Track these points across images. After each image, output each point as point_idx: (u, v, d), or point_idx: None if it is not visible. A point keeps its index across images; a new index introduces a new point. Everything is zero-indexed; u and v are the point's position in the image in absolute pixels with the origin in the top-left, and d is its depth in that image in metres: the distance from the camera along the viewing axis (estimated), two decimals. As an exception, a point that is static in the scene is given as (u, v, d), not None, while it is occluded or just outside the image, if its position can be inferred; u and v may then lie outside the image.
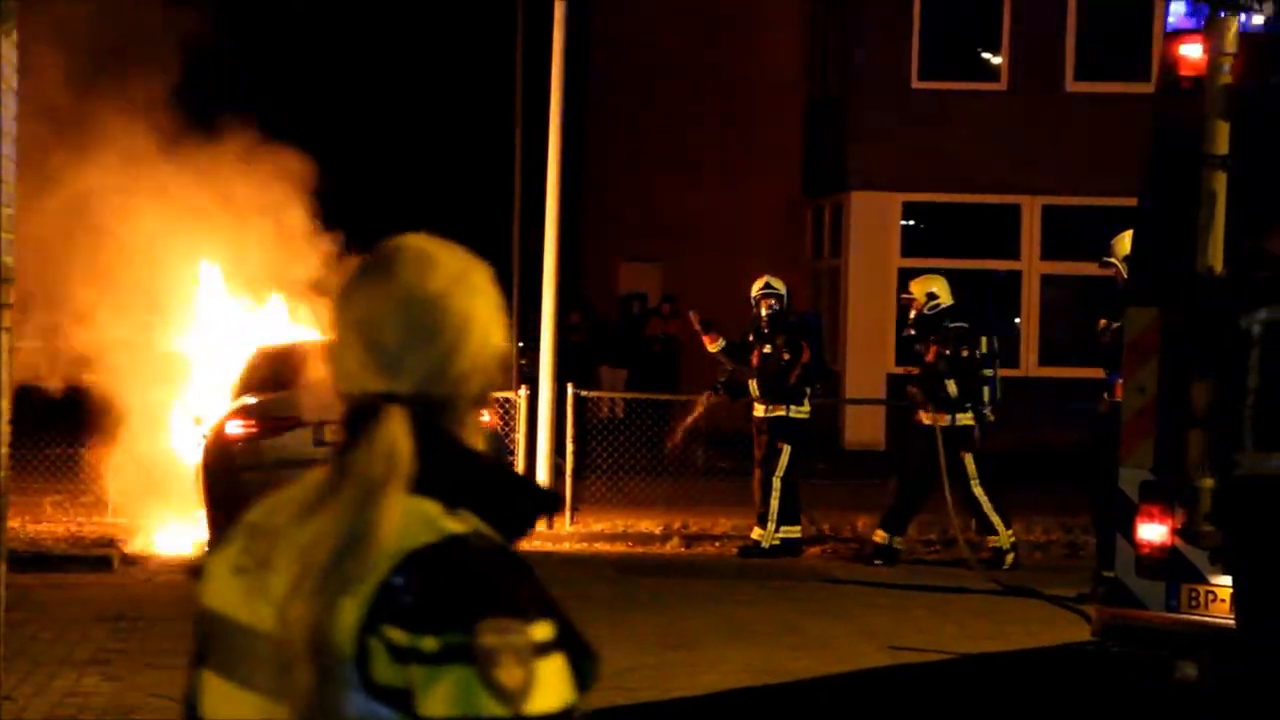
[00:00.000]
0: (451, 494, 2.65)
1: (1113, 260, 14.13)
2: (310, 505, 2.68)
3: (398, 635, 2.55)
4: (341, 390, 2.73)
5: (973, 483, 16.90)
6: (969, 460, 16.89)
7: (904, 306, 17.84)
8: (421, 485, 2.64)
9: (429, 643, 2.53)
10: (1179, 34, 9.48)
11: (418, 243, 2.76)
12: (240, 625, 2.70)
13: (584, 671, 2.66)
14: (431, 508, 2.63)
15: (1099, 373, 14.90)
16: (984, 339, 17.03)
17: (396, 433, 2.65)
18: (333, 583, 2.59)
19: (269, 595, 2.64)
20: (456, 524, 2.62)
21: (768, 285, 17.81)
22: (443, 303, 2.72)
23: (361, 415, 2.68)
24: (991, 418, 17.18)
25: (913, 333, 17.26)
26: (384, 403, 2.67)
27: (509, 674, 2.53)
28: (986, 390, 16.97)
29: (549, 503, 2.79)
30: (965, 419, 16.89)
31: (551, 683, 2.57)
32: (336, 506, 2.63)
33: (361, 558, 2.59)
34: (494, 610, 2.55)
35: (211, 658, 2.75)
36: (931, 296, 17.16)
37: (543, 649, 2.57)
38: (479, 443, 2.78)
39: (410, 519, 2.61)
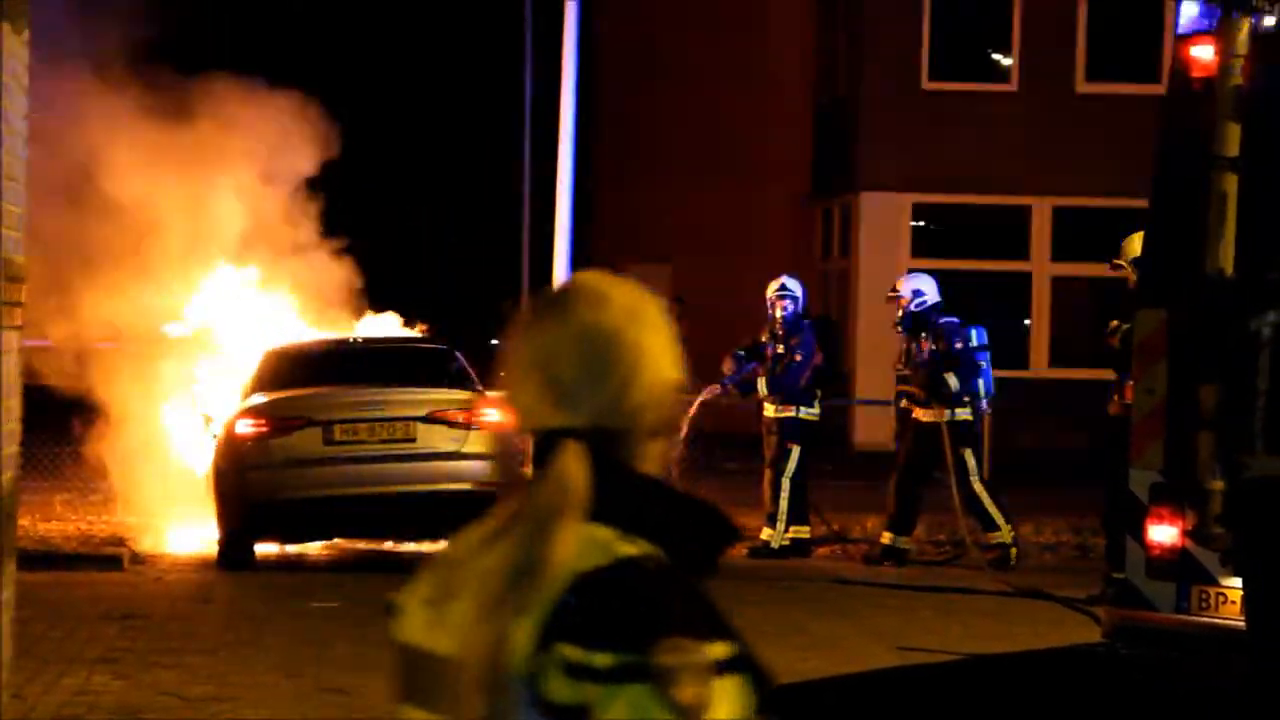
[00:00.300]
0: (628, 522, 2.72)
1: (1123, 262, 14.13)
2: (491, 536, 2.77)
3: (572, 652, 2.62)
4: (521, 425, 2.82)
5: (972, 479, 16.88)
6: (969, 456, 16.88)
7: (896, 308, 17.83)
8: (598, 514, 2.72)
9: (603, 659, 2.60)
10: (1190, 35, 9.47)
11: (592, 280, 2.87)
12: (428, 654, 2.78)
13: (761, 693, 2.73)
14: (606, 534, 2.71)
15: (1109, 374, 14.88)
16: (973, 332, 17.05)
17: (572, 465, 2.72)
18: (508, 607, 2.66)
19: (452, 622, 2.73)
20: (630, 547, 2.69)
21: (783, 286, 17.81)
22: (617, 338, 2.80)
23: (542, 449, 2.77)
24: (987, 411, 17.18)
25: (899, 330, 17.29)
26: (561, 437, 2.75)
27: (686, 692, 2.60)
28: (981, 383, 16.99)
29: (729, 534, 2.86)
30: (963, 414, 16.88)
31: (728, 701, 2.65)
32: (514, 536, 2.72)
33: (535, 582, 2.67)
34: (670, 629, 2.62)
35: (409, 691, 2.83)
36: (917, 294, 17.19)
37: (719, 668, 2.64)
38: (656, 473, 2.84)
39: (584, 544, 2.69)
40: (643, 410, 2.80)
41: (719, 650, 2.66)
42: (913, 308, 17.13)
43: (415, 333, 19.87)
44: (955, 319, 17.07)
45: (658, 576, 2.67)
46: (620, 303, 2.83)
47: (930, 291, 17.21)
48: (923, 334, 17.01)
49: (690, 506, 2.83)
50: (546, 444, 2.77)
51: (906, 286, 17.33)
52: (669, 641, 2.61)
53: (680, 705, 2.59)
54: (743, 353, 17.95)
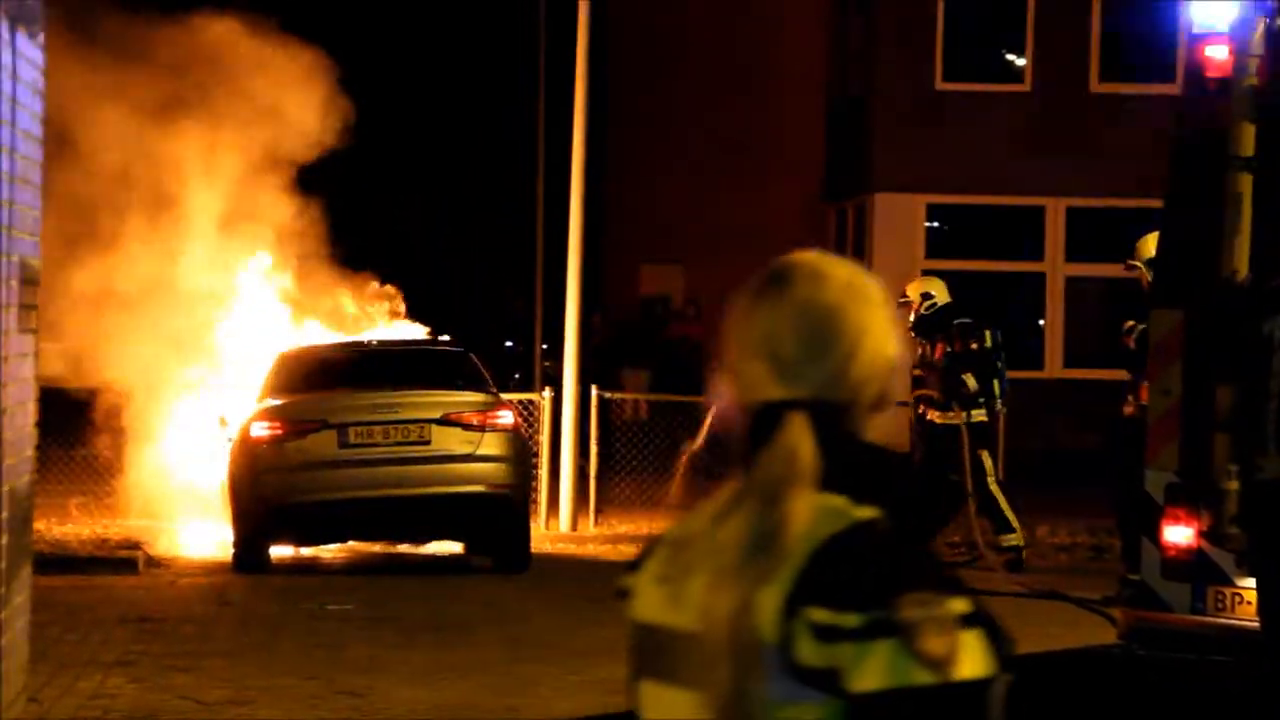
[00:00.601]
0: (855, 490, 2.80)
1: (1137, 263, 14.11)
2: (722, 511, 2.84)
3: (821, 615, 2.68)
4: (743, 400, 2.88)
5: (990, 479, 16.87)
6: (985, 457, 16.88)
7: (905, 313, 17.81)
8: (827, 483, 2.79)
9: (852, 619, 2.67)
10: (1205, 36, 9.45)
11: (811, 258, 2.93)
12: (668, 629, 2.84)
13: (999, 649, 2.80)
14: (837, 501, 2.78)
15: (1124, 375, 14.86)
16: (988, 332, 17.05)
17: (797, 436, 2.80)
18: (748, 576, 2.74)
19: (690, 597, 2.80)
20: (863, 512, 2.77)
21: None
22: (838, 313, 2.87)
23: (763, 423, 2.84)
24: (1003, 410, 17.18)
25: (912, 334, 17.29)
26: (784, 409, 2.82)
27: (935, 643, 2.67)
28: (996, 383, 16.98)
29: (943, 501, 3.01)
30: (980, 415, 16.88)
31: (974, 652, 2.72)
32: (745, 508, 2.80)
33: (774, 551, 2.74)
34: (912, 585, 2.70)
35: (647, 667, 2.90)
36: (927, 296, 17.19)
37: (961, 621, 2.71)
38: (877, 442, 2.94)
39: (818, 512, 2.77)
40: (863, 384, 2.88)
41: (959, 605, 2.73)
42: (924, 311, 17.13)
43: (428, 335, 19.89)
44: (969, 320, 17.08)
45: (895, 536, 2.76)
46: (840, 279, 2.90)
47: (940, 293, 17.20)
48: (937, 336, 17.00)
49: (911, 474, 2.94)
50: (766, 416, 2.83)
51: (916, 290, 17.33)
52: (913, 596, 2.69)
53: (930, 657, 2.67)
54: None
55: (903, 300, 17.50)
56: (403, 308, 19.81)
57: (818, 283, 2.90)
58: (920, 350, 17.24)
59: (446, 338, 19.66)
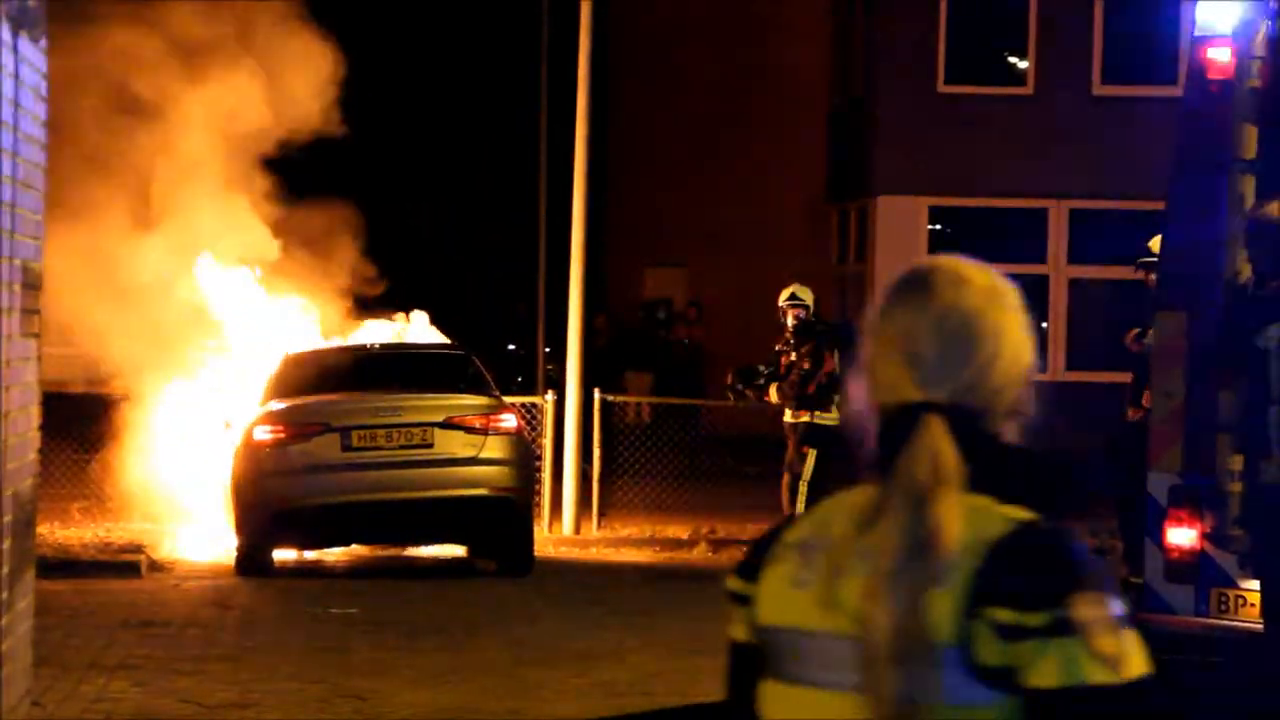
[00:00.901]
0: (1001, 491, 2.83)
1: (1151, 262, 14.09)
2: (867, 515, 2.86)
3: (1004, 615, 2.74)
4: (878, 400, 2.92)
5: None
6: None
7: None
8: (973, 484, 2.83)
9: (1035, 619, 2.74)
10: (1207, 38, 9.45)
11: (951, 263, 2.98)
12: (815, 633, 2.87)
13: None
14: (988, 502, 2.82)
15: (1128, 377, 14.84)
16: None
17: (938, 439, 2.84)
18: (912, 580, 2.77)
19: (842, 601, 2.82)
20: (1021, 513, 2.82)
21: (793, 295, 17.82)
22: (978, 319, 2.92)
23: (898, 424, 2.87)
24: None
25: None
26: (922, 412, 2.86)
27: (1107, 643, 2.75)
28: None
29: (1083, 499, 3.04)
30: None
31: (1138, 651, 2.79)
32: (893, 512, 2.82)
33: (933, 554, 2.78)
34: (1082, 585, 2.77)
35: (777, 668, 2.92)
36: None
37: (1125, 620, 2.79)
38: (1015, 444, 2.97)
39: (974, 514, 2.81)
40: (1002, 390, 2.91)
41: (1120, 605, 2.79)
42: None
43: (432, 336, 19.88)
44: None
45: (1060, 537, 2.81)
46: (980, 285, 2.96)
47: None
48: None
49: (1053, 473, 2.96)
50: (903, 418, 2.87)
51: None
52: (1085, 595, 2.75)
53: (1105, 656, 2.74)
54: (739, 384, 17.93)
55: None
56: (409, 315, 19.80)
57: (959, 288, 2.94)
58: None
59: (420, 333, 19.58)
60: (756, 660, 2.95)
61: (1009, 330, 2.93)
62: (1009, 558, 2.76)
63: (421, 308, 19.86)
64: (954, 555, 2.76)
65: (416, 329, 19.50)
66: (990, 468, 2.84)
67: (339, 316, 19.61)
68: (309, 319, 19.37)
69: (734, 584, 2.99)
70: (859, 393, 2.94)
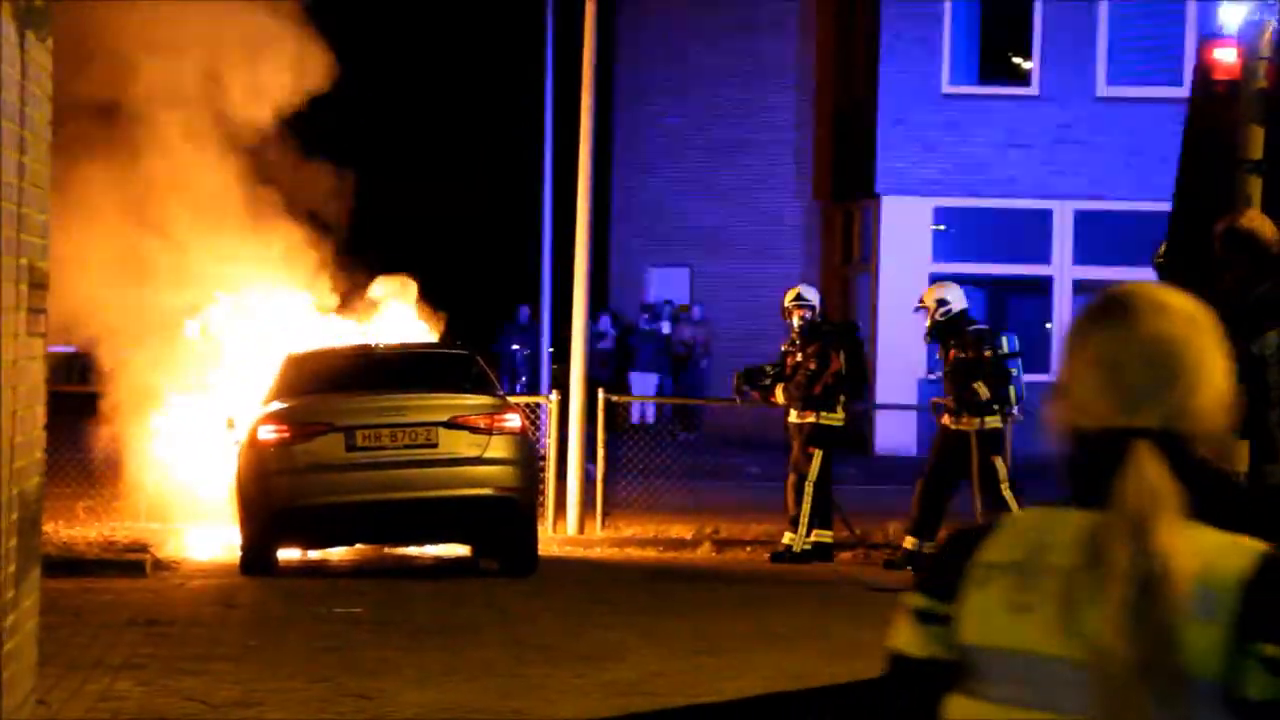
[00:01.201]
0: (1217, 518, 2.87)
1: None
2: (1089, 543, 2.87)
3: (1273, 650, 2.79)
4: (1078, 424, 2.95)
5: (1003, 486, 16.91)
6: (999, 464, 16.92)
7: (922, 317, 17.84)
8: (1193, 513, 2.86)
9: None
10: (1213, 39, 9.46)
11: (1149, 288, 3.02)
12: (1042, 658, 2.88)
13: None
14: (1213, 532, 2.86)
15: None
16: (1004, 339, 17.09)
17: (1152, 466, 2.86)
18: (1154, 614, 2.80)
19: (1079, 630, 2.84)
20: (1255, 544, 2.86)
21: (799, 296, 17.82)
22: (1183, 345, 2.94)
23: (1105, 450, 2.90)
24: (1019, 418, 17.21)
25: (928, 340, 17.33)
26: (1132, 438, 2.88)
27: None
28: (1013, 390, 17.00)
29: None
30: (994, 422, 16.91)
31: None
32: (1117, 542, 2.84)
33: (1169, 587, 2.80)
34: None
35: (978, 689, 2.94)
36: (942, 303, 17.19)
37: None
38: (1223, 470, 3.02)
39: (1205, 545, 2.84)
40: (1205, 415, 2.93)
41: None
42: (939, 317, 17.13)
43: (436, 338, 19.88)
44: (985, 327, 17.10)
45: None
46: (1183, 312, 2.97)
47: (956, 300, 17.20)
48: (951, 343, 17.01)
49: (1260, 501, 3.01)
50: (1109, 444, 2.89)
51: (931, 297, 17.33)
52: None
53: None
54: (745, 385, 17.93)
55: (918, 307, 17.50)
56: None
57: (1162, 315, 2.96)
58: (939, 358, 17.29)
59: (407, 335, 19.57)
60: (939, 678, 2.96)
61: (1211, 357, 2.96)
62: (1268, 591, 2.80)
63: (427, 306, 19.86)
64: (1194, 588, 2.79)
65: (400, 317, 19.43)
66: (1205, 495, 2.86)
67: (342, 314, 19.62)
68: (312, 319, 19.39)
69: (919, 601, 3.00)
70: (1055, 414, 2.96)
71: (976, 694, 2.94)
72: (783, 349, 17.90)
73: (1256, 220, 8.90)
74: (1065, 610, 2.85)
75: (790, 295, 17.91)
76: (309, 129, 19.88)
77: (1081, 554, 2.86)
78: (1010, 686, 2.90)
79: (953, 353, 17.00)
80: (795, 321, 17.75)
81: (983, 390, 16.82)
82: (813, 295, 17.89)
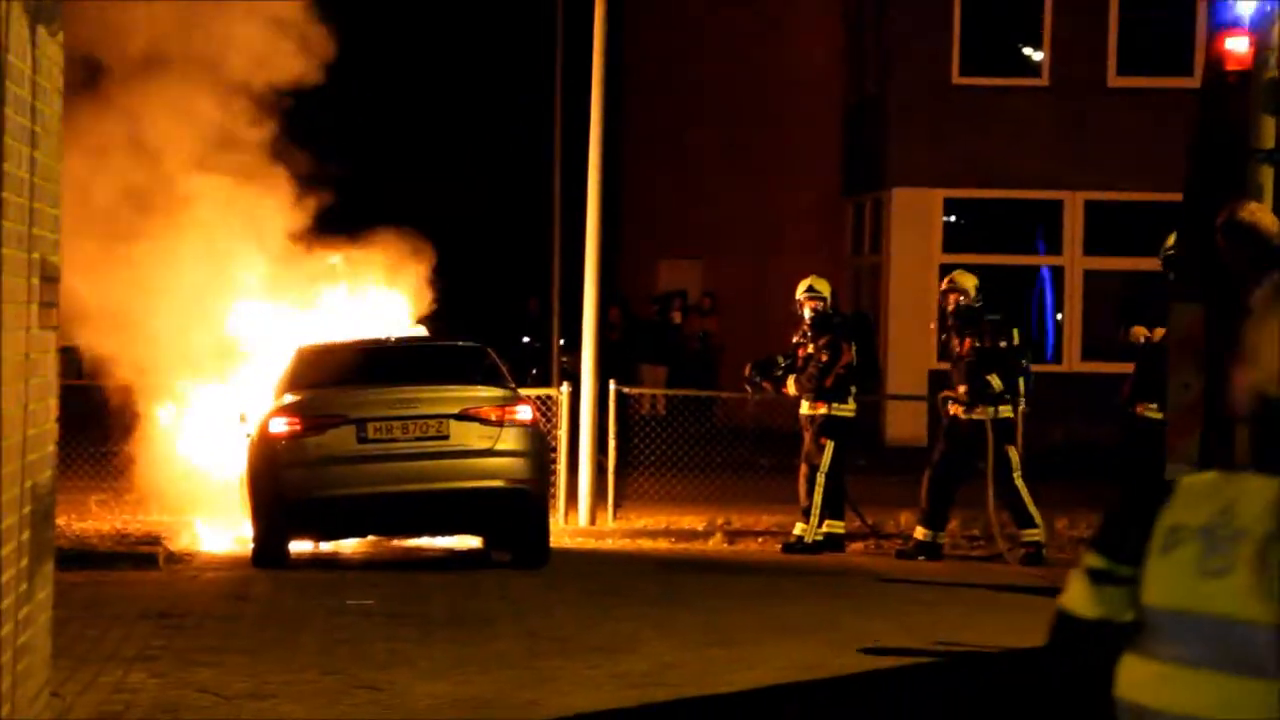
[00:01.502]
0: None
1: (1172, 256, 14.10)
2: (1263, 507, 2.93)
3: None
4: (1266, 391, 3.01)
5: (1015, 475, 16.96)
6: (1012, 452, 16.98)
7: (943, 306, 17.85)
8: None
9: None
10: (1225, 28, 9.45)
11: None
12: (1234, 621, 2.92)
13: None
14: None
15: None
16: (1015, 330, 17.12)
17: None
18: None
19: (1269, 593, 2.88)
20: None
21: (810, 288, 17.84)
22: None
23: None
24: (1027, 410, 17.24)
25: (935, 328, 17.38)
26: None
27: None
28: (1022, 381, 17.04)
29: None
30: (1006, 411, 16.96)
31: None
32: None
33: None
34: None
35: (1159, 650, 2.97)
36: (962, 292, 17.22)
37: None
38: None
39: None
40: None
41: None
42: (958, 306, 17.17)
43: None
44: (999, 317, 17.13)
45: None
46: None
47: (972, 290, 17.23)
48: (966, 332, 17.04)
49: None
50: None
51: (949, 285, 17.37)
52: None
53: None
54: (757, 376, 17.94)
55: (950, 289, 17.45)
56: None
57: None
58: (947, 345, 17.30)
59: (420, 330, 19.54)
60: (1110, 639, 2.99)
61: None
62: None
63: (436, 304, 19.84)
64: None
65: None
66: None
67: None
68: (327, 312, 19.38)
69: (1098, 562, 3.02)
70: (1241, 382, 3.01)
71: (1148, 654, 2.97)
72: (794, 340, 17.91)
73: (1258, 212, 8.90)
74: (1260, 575, 2.86)
75: (802, 287, 17.92)
76: (316, 120, 19.87)
77: (1274, 520, 2.88)
78: (1188, 647, 2.92)
79: (969, 342, 17.02)
80: (806, 313, 17.76)
81: (996, 381, 16.85)
82: (824, 287, 17.89)
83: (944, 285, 17.67)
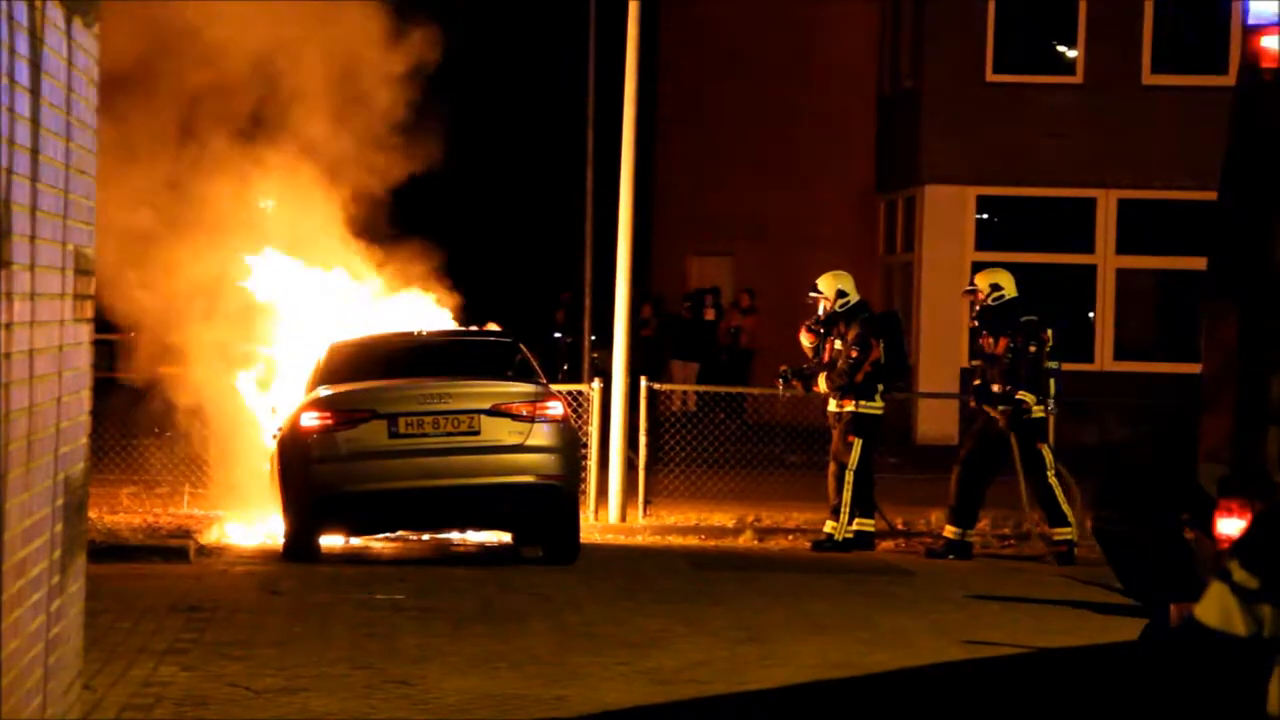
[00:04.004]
0: None
1: None
2: None
3: None
4: None
5: (1049, 473, 16.92)
6: (1045, 451, 16.96)
7: (971, 302, 17.83)
8: None
9: None
10: (1261, 26, 9.40)
11: None
12: None
13: None
14: None
15: (1175, 368, 14.86)
16: (1049, 332, 17.08)
17: None
18: None
19: None
20: None
21: (814, 287, 17.84)
22: None
23: None
24: (1055, 411, 17.22)
25: (976, 324, 17.33)
26: None
27: None
28: (1052, 383, 17.01)
29: None
30: (1038, 411, 16.93)
31: None
32: None
33: None
34: None
35: None
36: (995, 288, 17.19)
37: None
38: None
39: None
40: None
41: None
42: (990, 303, 17.13)
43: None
44: (1035, 318, 17.07)
45: None
46: None
47: (1009, 287, 17.19)
48: (1002, 330, 17.00)
49: None
50: None
51: (986, 281, 17.32)
52: None
53: None
54: (790, 372, 17.97)
55: (969, 290, 17.52)
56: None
57: None
58: (980, 343, 17.27)
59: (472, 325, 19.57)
60: (1261, 657, 2.90)
61: None
62: None
63: (467, 296, 19.87)
64: None
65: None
66: None
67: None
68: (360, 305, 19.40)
69: (1249, 580, 2.86)
70: None
71: None
72: (811, 340, 17.88)
73: None
74: None
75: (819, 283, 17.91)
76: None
77: None
78: None
79: (1005, 341, 16.99)
80: (820, 311, 17.77)
81: (1028, 397, 16.82)
82: (828, 285, 17.79)
83: (969, 287, 17.69)
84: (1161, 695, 2.93)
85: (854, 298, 17.56)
